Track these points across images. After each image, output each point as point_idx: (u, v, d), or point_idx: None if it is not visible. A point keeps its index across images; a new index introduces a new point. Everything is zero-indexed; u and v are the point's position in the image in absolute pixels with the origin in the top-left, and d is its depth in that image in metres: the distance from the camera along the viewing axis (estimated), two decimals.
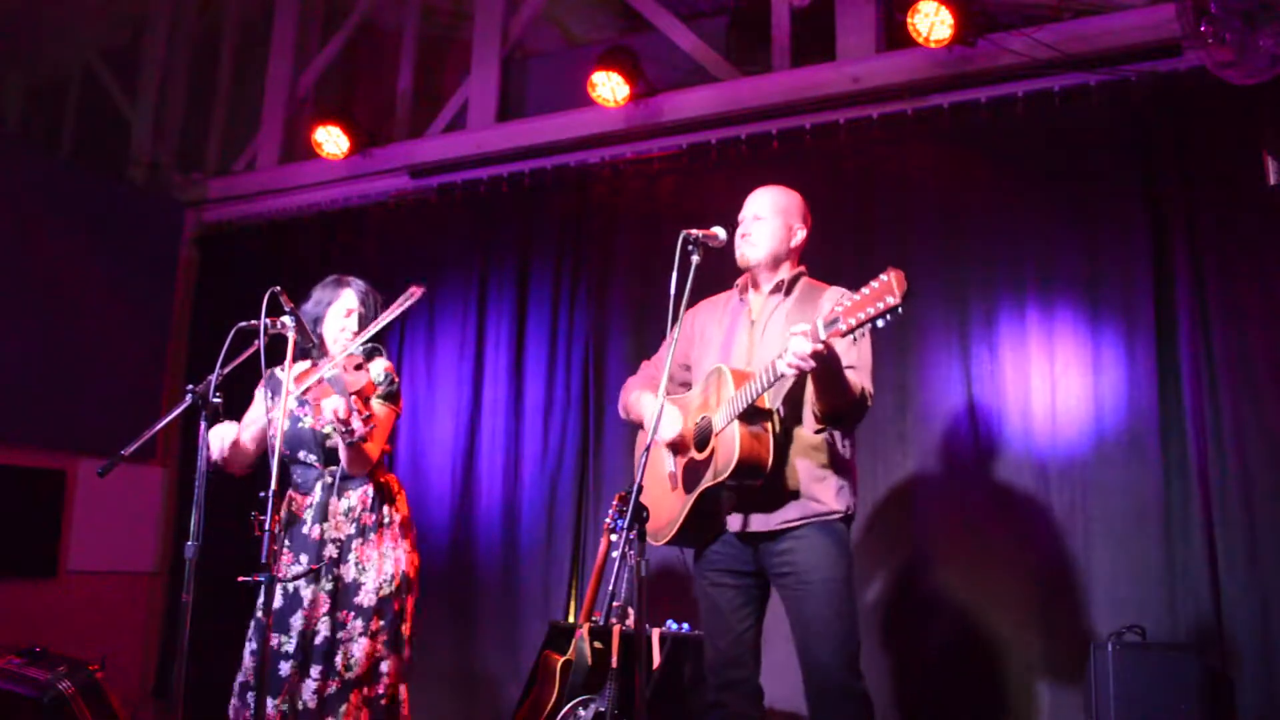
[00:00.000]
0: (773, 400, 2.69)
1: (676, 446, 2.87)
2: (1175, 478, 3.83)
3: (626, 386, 3.16)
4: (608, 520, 4.15)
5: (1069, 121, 4.23)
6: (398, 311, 3.01)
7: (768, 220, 2.88)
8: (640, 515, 2.40)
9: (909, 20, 4.32)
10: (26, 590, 5.29)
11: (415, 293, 2.98)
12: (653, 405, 2.79)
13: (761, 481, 2.67)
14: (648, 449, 2.53)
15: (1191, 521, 3.77)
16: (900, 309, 2.22)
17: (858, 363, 2.74)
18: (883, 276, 2.24)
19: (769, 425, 2.67)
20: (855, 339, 2.49)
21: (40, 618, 5.20)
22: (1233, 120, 3.91)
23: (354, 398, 2.79)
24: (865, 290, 2.27)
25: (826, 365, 2.51)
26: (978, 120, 4.39)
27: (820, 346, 2.39)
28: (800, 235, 2.93)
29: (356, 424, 2.77)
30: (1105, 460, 3.95)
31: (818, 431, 2.75)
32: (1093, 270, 4.10)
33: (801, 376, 2.59)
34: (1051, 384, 4.09)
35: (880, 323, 2.25)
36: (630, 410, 3.10)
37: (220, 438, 3.08)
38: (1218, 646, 3.62)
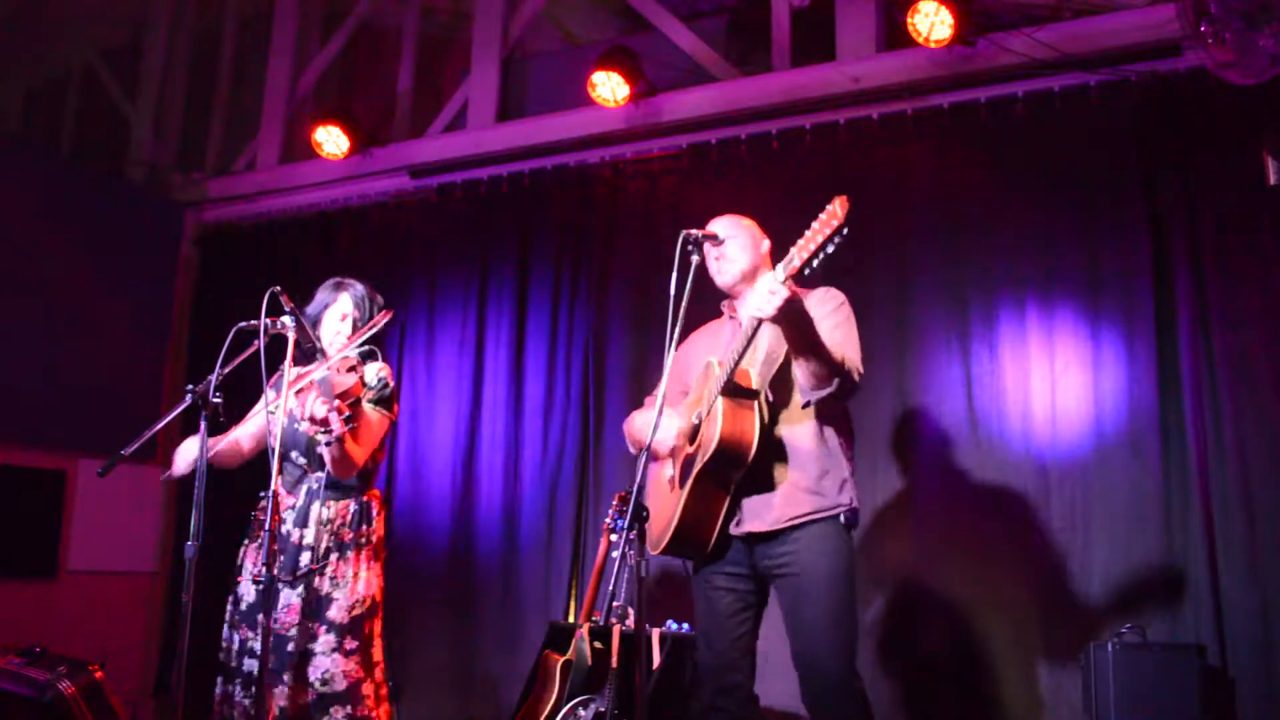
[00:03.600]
0: (760, 382, 2.69)
1: (677, 451, 2.85)
2: (1175, 478, 3.84)
3: (629, 421, 3.11)
4: (608, 520, 4.16)
5: (1069, 121, 4.23)
6: (369, 334, 3.09)
7: (734, 237, 2.90)
8: (640, 515, 2.39)
9: (909, 20, 4.32)
10: (26, 590, 5.28)
11: (384, 316, 3.15)
12: (649, 416, 2.72)
13: (744, 469, 2.64)
14: (647, 448, 2.52)
15: (1191, 521, 3.77)
16: (846, 230, 2.23)
17: (843, 324, 2.75)
18: (829, 206, 2.27)
19: (755, 405, 2.66)
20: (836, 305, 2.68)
21: (40, 618, 5.20)
22: (1233, 120, 3.91)
23: (336, 399, 2.79)
24: (813, 225, 2.30)
25: (794, 314, 2.46)
26: (978, 120, 4.39)
27: (785, 290, 2.36)
28: (766, 244, 2.97)
29: (335, 423, 2.76)
30: (1105, 460, 3.95)
31: (805, 406, 2.72)
32: (1093, 270, 4.10)
33: (788, 356, 2.62)
34: (1051, 384, 4.09)
35: (830, 248, 2.27)
36: (633, 438, 3.07)
37: (188, 454, 3.01)
38: (1218, 646, 3.61)
